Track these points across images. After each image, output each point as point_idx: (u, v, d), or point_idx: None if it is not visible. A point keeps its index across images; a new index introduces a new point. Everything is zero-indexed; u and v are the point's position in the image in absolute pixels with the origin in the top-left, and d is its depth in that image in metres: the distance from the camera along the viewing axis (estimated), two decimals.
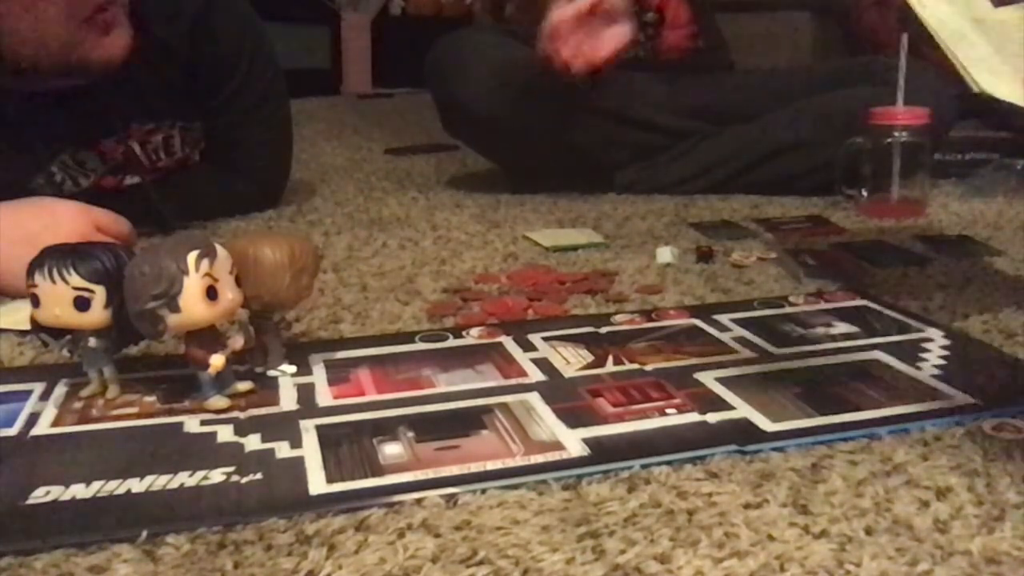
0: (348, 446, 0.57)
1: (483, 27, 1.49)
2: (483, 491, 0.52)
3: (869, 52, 1.80)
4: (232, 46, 1.24)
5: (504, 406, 0.63)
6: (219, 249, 0.62)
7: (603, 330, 0.78)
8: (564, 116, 1.40)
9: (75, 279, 0.61)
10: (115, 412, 0.63)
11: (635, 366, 0.70)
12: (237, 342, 0.63)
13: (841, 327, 0.79)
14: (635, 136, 1.44)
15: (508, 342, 0.75)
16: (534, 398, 0.64)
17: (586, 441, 0.57)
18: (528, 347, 0.74)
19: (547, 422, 0.60)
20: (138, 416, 0.62)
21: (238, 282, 0.63)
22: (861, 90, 1.31)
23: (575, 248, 1.09)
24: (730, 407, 0.62)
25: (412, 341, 0.76)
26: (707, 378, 0.67)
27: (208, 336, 0.62)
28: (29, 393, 0.66)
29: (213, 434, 0.59)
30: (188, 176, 1.25)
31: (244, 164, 1.29)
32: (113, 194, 1.15)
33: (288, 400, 0.64)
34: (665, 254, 1.02)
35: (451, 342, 0.76)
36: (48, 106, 1.10)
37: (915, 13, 0.66)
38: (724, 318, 0.81)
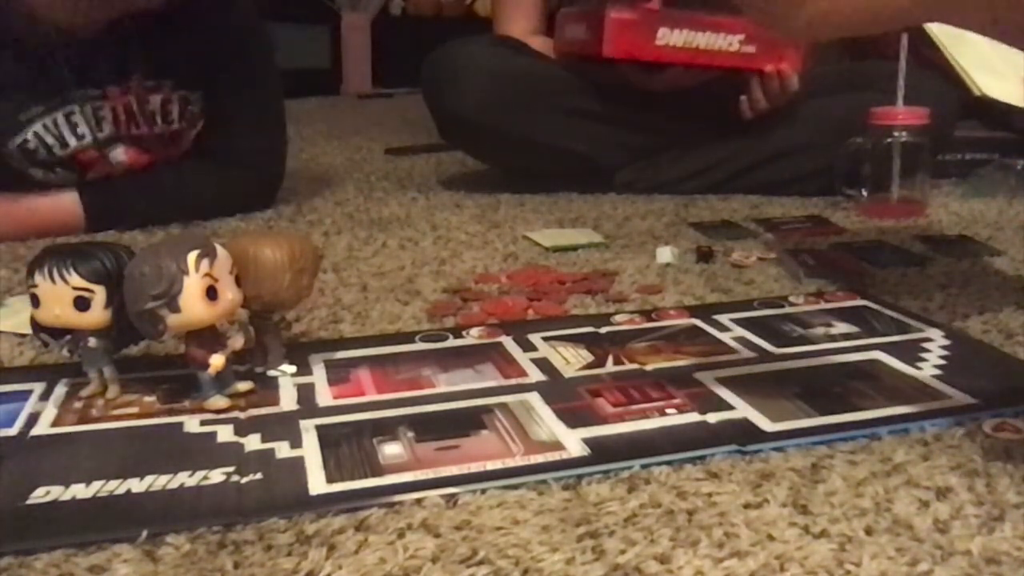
0: (348, 446, 0.57)
1: (478, 37, 1.48)
2: (483, 491, 0.52)
3: (869, 52, 1.80)
4: (227, 18, 1.27)
5: (504, 406, 0.63)
6: (219, 249, 0.62)
7: (603, 330, 0.78)
8: (562, 122, 1.40)
9: (75, 279, 0.61)
10: (115, 412, 0.63)
11: (635, 366, 0.70)
12: (237, 342, 0.63)
13: (841, 327, 0.79)
14: (634, 138, 1.44)
15: (508, 342, 0.75)
16: (534, 398, 0.64)
17: (586, 441, 0.57)
18: (528, 347, 0.74)
19: (547, 422, 0.60)
20: (138, 416, 0.62)
21: (238, 282, 0.63)
22: (864, 96, 1.31)
23: (575, 248, 1.09)
24: (730, 407, 0.62)
25: (412, 341, 0.76)
26: (707, 378, 0.67)
27: (208, 336, 0.62)
28: (29, 393, 0.66)
29: (213, 434, 0.59)
30: (182, 169, 1.25)
31: (239, 150, 1.29)
32: (83, 179, 1.18)
33: (288, 400, 0.64)
34: (665, 254, 1.02)
35: (451, 342, 0.76)
36: (61, 47, 1.14)
37: None
38: (724, 318, 0.81)
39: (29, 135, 1.15)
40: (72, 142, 1.17)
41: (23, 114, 1.15)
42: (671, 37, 1.30)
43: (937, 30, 1.19)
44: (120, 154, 1.21)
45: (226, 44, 1.26)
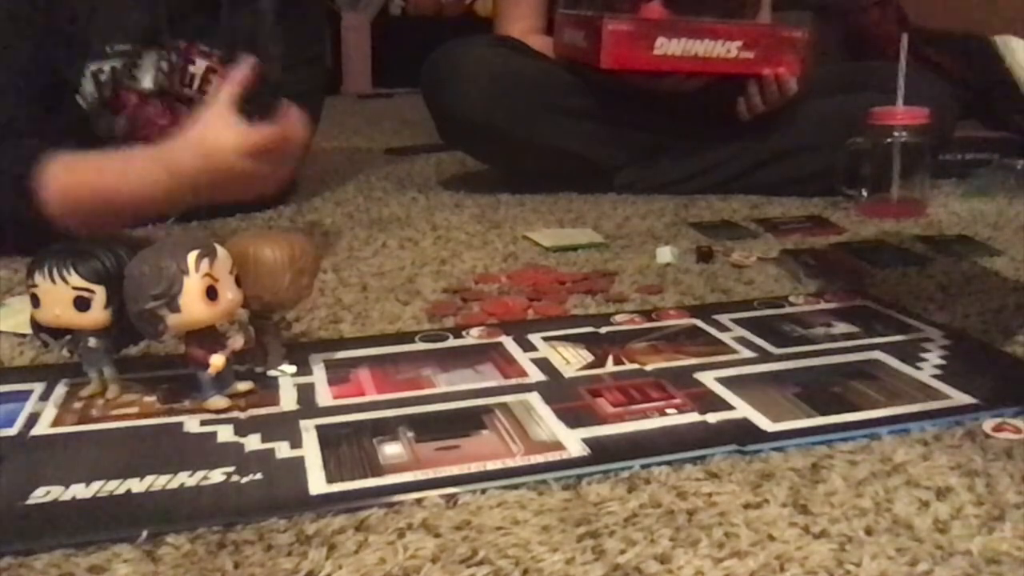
0: (348, 446, 0.57)
1: (478, 37, 1.48)
2: (483, 491, 0.52)
3: (869, 52, 1.80)
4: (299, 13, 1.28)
5: (504, 406, 0.63)
6: (219, 249, 0.62)
7: (603, 330, 0.78)
8: (562, 122, 1.40)
9: (75, 279, 0.61)
10: (115, 412, 0.63)
11: (635, 366, 0.70)
12: (237, 342, 0.63)
13: (841, 327, 0.79)
14: (634, 139, 1.44)
15: (508, 342, 0.75)
16: (534, 398, 0.64)
17: (586, 441, 0.57)
18: (528, 347, 0.74)
19: (547, 422, 0.60)
20: (138, 416, 0.62)
21: (238, 282, 0.63)
22: (865, 96, 1.31)
23: (575, 248, 1.09)
24: (730, 407, 0.62)
25: (412, 341, 0.76)
26: (707, 378, 0.67)
27: (208, 336, 0.62)
28: (29, 393, 0.66)
29: (213, 434, 0.59)
30: None
31: None
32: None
33: (288, 400, 0.64)
34: (665, 254, 1.02)
35: (451, 342, 0.76)
36: None
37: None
38: (724, 318, 0.81)
39: (107, 66, 1.16)
40: (125, 82, 1.18)
41: (110, 46, 1.16)
42: (669, 46, 1.30)
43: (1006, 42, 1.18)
44: (158, 104, 1.21)
45: (286, 35, 1.26)
